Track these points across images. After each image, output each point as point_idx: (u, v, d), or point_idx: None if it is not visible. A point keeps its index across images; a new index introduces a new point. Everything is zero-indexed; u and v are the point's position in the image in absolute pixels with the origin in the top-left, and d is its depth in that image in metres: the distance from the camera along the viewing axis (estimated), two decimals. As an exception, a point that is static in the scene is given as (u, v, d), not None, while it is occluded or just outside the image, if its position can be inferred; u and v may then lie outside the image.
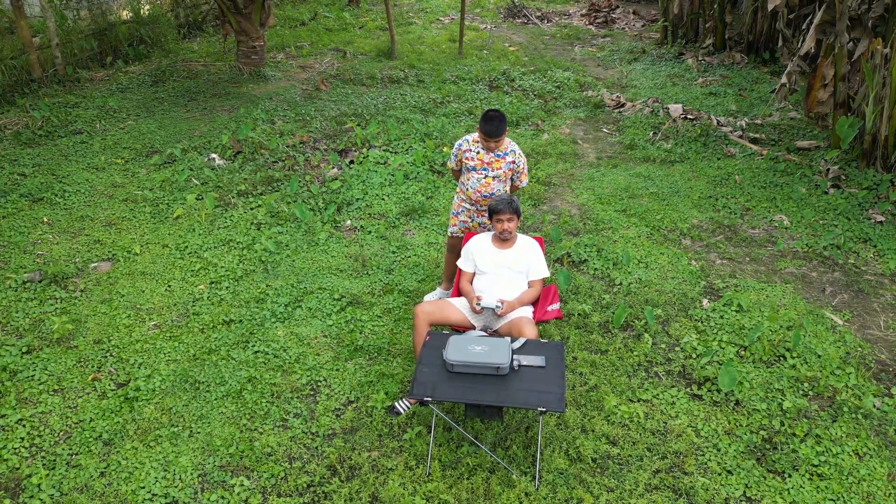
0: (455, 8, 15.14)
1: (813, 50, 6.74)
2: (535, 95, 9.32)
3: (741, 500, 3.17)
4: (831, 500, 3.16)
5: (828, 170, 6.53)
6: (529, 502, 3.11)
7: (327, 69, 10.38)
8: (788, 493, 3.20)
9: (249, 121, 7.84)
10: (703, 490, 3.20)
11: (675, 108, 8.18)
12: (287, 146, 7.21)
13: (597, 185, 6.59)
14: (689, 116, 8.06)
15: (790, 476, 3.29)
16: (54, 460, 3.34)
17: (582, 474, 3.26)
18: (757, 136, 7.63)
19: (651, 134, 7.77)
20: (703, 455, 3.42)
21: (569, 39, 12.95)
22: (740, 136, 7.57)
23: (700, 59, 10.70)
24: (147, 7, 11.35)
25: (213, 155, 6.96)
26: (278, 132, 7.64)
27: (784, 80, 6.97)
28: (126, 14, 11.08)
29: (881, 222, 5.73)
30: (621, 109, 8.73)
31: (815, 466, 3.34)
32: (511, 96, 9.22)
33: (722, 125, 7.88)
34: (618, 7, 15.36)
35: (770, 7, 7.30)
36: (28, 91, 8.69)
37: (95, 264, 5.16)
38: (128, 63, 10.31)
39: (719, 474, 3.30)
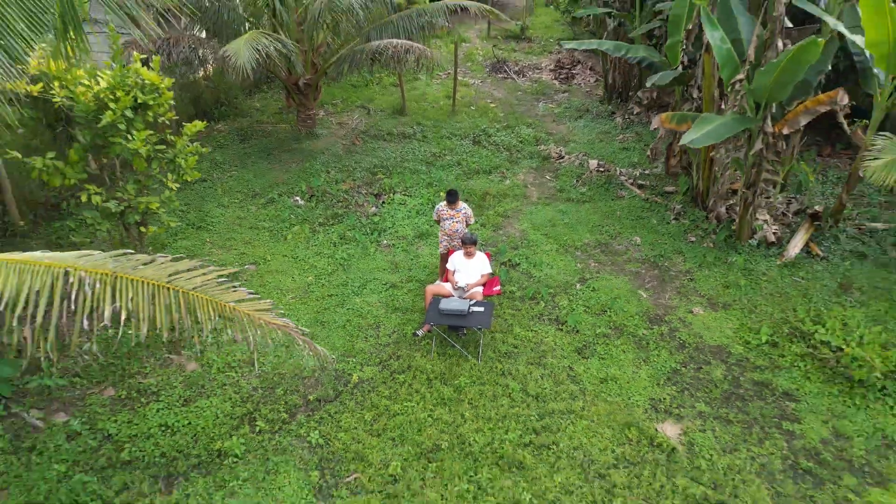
0: (452, 61, 19.29)
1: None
2: (504, 149, 13.50)
3: (569, 368, 7.36)
4: (605, 369, 7.36)
5: (675, 208, 10.72)
6: (474, 368, 7.30)
7: (357, 126, 14.57)
8: (590, 365, 7.39)
9: (315, 172, 12.03)
10: (553, 364, 7.40)
11: (593, 162, 12.36)
12: (341, 191, 11.40)
13: (533, 217, 10.78)
14: (601, 168, 12.24)
15: (591, 359, 7.49)
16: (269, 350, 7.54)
17: (500, 357, 7.46)
18: (643, 182, 11.82)
19: (574, 181, 11.97)
20: (556, 352, 7.62)
21: (536, 95, 17.14)
22: (631, 183, 11.75)
23: (626, 117, 14.89)
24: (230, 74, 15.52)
25: (297, 197, 11.15)
26: (333, 180, 11.83)
27: (651, 148, 11.16)
28: (203, 79, 15.20)
29: (693, 241, 9.92)
30: (561, 161, 12.91)
31: (603, 358, 7.53)
32: (487, 150, 13.40)
33: (622, 175, 12.06)
34: (578, 63, 19.53)
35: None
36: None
37: (247, 266, 9.35)
38: (216, 122, 14.48)
39: (564, 358, 7.50)
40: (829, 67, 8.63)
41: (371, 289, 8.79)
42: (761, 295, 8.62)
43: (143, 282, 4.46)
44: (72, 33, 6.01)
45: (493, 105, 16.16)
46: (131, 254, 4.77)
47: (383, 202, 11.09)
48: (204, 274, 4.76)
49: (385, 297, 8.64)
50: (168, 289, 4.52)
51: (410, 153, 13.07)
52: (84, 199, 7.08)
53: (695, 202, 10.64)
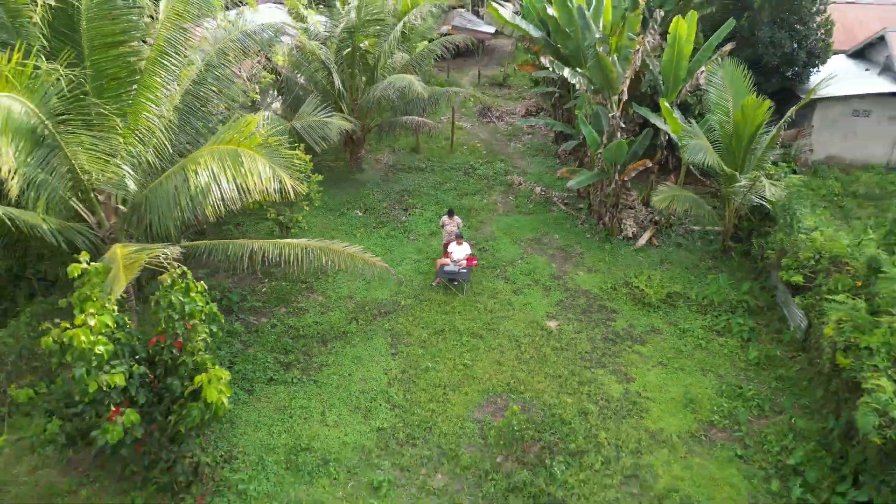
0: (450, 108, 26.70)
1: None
2: (484, 178, 20.91)
3: (508, 300, 14.80)
4: (526, 299, 14.79)
5: (581, 218, 18.13)
6: (460, 298, 14.74)
7: (387, 162, 21.99)
8: (519, 298, 14.82)
9: (365, 195, 19.43)
10: (500, 297, 14.83)
11: (538, 188, 19.77)
12: (383, 207, 18.82)
13: (498, 223, 18.20)
14: (542, 192, 19.64)
15: (519, 295, 14.92)
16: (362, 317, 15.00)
17: (474, 294, 14.91)
18: (567, 202, 19.23)
19: (526, 200, 19.39)
20: (502, 293, 15.03)
21: (510, 136, 24.58)
22: (560, 201, 19.16)
23: (562, 158, 22.24)
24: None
25: (357, 211, 18.59)
26: (377, 200, 19.25)
27: (560, 171, 18.57)
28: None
29: (588, 237, 17.34)
30: (519, 186, 20.30)
31: (526, 294, 14.97)
32: (473, 179, 20.82)
33: (555, 196, 19.46)
34: (542, 110, 26.91)
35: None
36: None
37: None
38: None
39: (506, 295, 14.94)
40: (647, 144, 16.09)
41: (406, 262, 16.21)
42: (616, 265, 16.08)
43: (305, 247, 11.86)
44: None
45: (478, 144, 23.62)
46: (295, 240, 12.20)
47: (409, 214, 18.53)
48: (327, 245, 12.20)
49: (413, 266, 16.07)
50: (316, 248, 11.91)
51: (424, 182, 20.51)
52: (269, 215, 14.54)
53: (591, 214, 18.05)
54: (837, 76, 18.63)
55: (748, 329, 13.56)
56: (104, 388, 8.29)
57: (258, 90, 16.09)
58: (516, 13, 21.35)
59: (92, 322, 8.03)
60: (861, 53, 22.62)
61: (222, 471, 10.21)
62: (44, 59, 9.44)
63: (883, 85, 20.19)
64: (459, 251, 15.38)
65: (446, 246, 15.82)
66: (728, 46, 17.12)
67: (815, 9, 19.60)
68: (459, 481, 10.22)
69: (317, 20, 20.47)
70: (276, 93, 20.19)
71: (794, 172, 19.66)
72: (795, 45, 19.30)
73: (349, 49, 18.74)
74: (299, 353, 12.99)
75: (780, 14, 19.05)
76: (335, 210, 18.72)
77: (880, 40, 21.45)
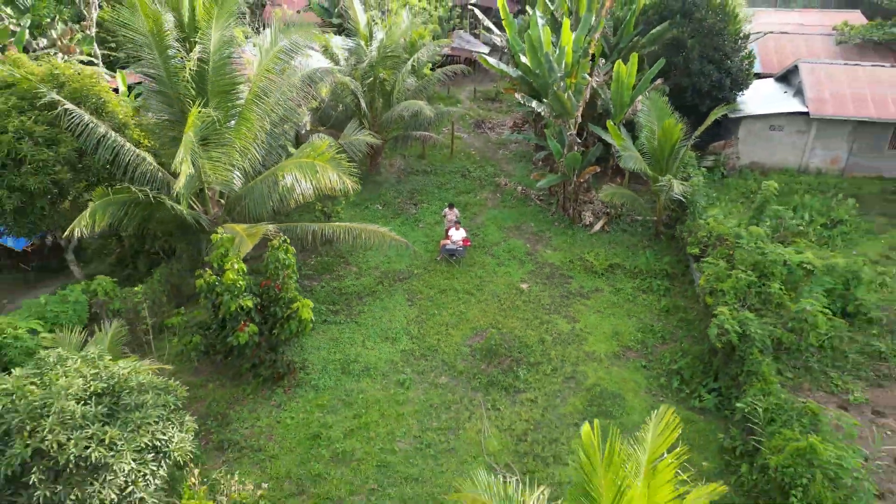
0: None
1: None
2: (477, 180, 26.18)
3: (493, 270, 20.07)
4: (505, 269, 20.06)
5: (552, 210, 23.39)
6: (457, 269, 20.00)
7: (400, 166, 27.25)
8: (500, 268, 20.09)
9: (383, 193, 24.69)
10: (486, 268, 20.11)
11: (520, 187, 25.03)
12: (398, 202, 24.09)
13: (487, 215, 23.48)
14: (523, 191, 24.90)
15: (501, 267, 20.20)
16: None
17: (467, 266, 20.17)
18: (541, 198, 24.49)
19: (510, 197, 24.65)
20: (488, 265, 20.29)
21: (499, 145, 29.85)
22: (536, 198, 24.41)
23: (538, 162, 27.47)
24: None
25: (378, 206, 23.85)
26: (393, 197, 24.51)
27: (533, 175, 23.86)
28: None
29: (556, 225, 22.60)
30: (505, 186, 25.56)
31: (506, 266, 20.23)
32: (468, 180, 26.09)
33: (533, 193, 24.72)
34: (526, 123, 32.15)
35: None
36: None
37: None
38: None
39: (491, 267, 20.21)
40: (599, 154, 21.36)
41: (416, 243, 21.46)
42: (575, 245, 21.34)
43: (349, 228, 17.12)
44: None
45: (473, 152, 28.89)
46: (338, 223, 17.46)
47: (418, 207, 23.79)
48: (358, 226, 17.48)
49: (423, 246, 21.32)
50: (356, 229, 17.17)
51: (429, 182, 25.78)
52: (316, 207, 19.81)
53: (558, 207, 23.30)
54: (747, 101, 23.97)
55: (664, 288, 18.84)
56: (238, 310, 13.58)
57: (306, 113, 21.36)
58: (503, 45, 26.56)
59: (235, 266, 13.30)
60: (784, 77, 27.90)
61: (300, 374, 15.48)
62: (191, 102, 14.74)
63: (794, 105, 25.45)
64: (457, 235, 20.62)
65: (447, 231, 21.08)
66: (659, 81, 22.39)
67: (736, 46, 24.84)
68: (456, 380, 15.49)
69: (340, 45, 25.60)
70: (310, 112, 25.42)
71: (723, 175, 25.14)
72: (721, 75, 24.56)
73: (371, 79, 24.01)
74: (343, 304, 18.27)
75: (708, 51, 24.31)
76: (360, 205, 23.96)
77: (795, 68, 26.73)
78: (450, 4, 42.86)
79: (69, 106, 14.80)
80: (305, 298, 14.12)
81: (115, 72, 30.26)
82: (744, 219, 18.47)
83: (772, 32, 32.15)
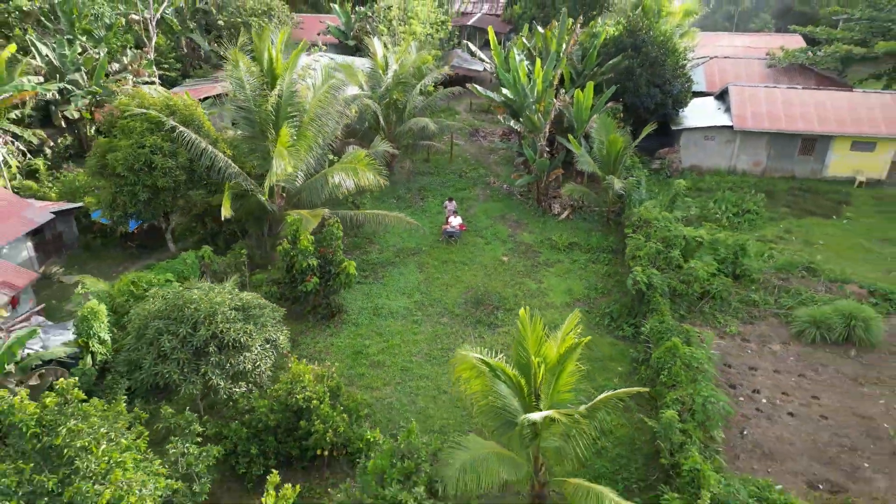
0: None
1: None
2: (471, 179, 32.73)
3: (481, 248, 26.62)
4: (490, 247, 26.63)
5: (530, 203, 29.91)
6: (454, 247, 26.56)
7: (409, 169, 33.80)
8: (487, 246, 26.63)
9: (396, 189, 31.24)
10: (476, 246, 26.67)
11: (505, 185, 31.56)
12: (408, 196, 30.63)
13: (479, 207, 30.03)
14: (507, 188, 31.43)
15: (487, 246, 26.75)
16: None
17: (462, 245, 26.74)
18: (521, 193, 31.03)
19: (497, 193, 31.19)
20: (478, 244, 26.86)
21: (490, 151, 36.40)
22: (518, 194, 30.95)
23: (518, 165, 34.01)
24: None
25: (393, 200, 30.40)
26: (404, 192, 31.05)
27: (513, 175, 30.39)
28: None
29: (533, 215, 29.14)
30: (493, 185, 32.10)
31: (492, 245, 26.79)
32: (464, 180, 32.65)
33: (515, 190, 31.25)
34: (513, 132, 38.64)
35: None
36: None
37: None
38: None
39: (480, 245, 26.77)
40: (563, 159, 27.91)
41: (426, 225, 27.98)
42: (545, 230, 27.89)
43: (376, 214, 23.66)
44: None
45: (468, 157, 35.44)
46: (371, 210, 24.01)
47: (424, 200, 30.33)
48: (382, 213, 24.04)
49: (429, 230, 27.85)
50: (381, 214, 23.70)
51: (433, 181, 32.34)
52: (347, 199, 26.35)
53: (534, 201, 29.81)
54: (688, 116, 30.48)
55: (608, 259, 25.38)
56: (307, 267, 20.13)
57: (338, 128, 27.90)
58: (492, 70, 33.04)
59: (303, 237, 19.87)
60: (720, 96, 34.45)
61: (344, 315, 22.01)
62: (269, 123, 21.30)
63: (723, 120, 31.98)
64: (455, 221, 27.13)
65: (447, 218, 27.59)
66: (610, 104, 28.94)
67: (676, 73, 31.37)
68: (453, 320, 22.03)
69: (359, 67, 32.12)
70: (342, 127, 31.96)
71: (668, 176, 31.68)
72: (664, 97, 31.10)
73: (387, 100, 30.57)
74: (370, 271, 24.81)
75: (653, 78, 30.85)
76: (379, 199, 30.49)
77: (727, 89, 33.28)
78: (450, 27, 49.59)
79: (181, 128, 21.38)
80: (350, 261, 20.69)
81: (169, 88, 37.15)
82: (662, 207, 25.04)
83: (716, 57, 38.71)
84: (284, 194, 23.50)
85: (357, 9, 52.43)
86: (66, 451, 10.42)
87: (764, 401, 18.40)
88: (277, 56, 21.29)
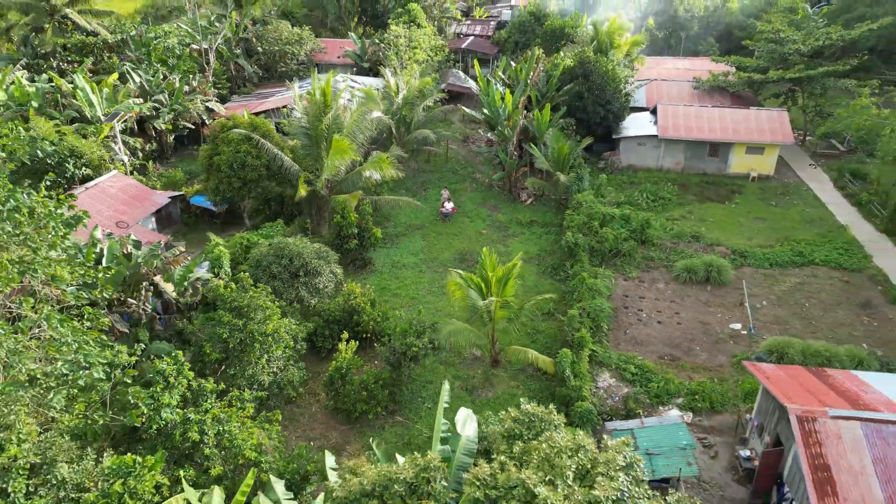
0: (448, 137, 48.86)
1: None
2: (462, 175, 43.14)
3: (468, 226, 37.05)
4: (474, 224, 37.05)
5: (506, 192, 40.31)
6: (448, 223, 37.00)
7: (414, 167, 44.21)
8: (473, 223, 37.07)
9: (406, 183, 41.66)
10: (465, 225, 37.11)
11: (487, 180, 41.95)
12: (414, 188, 41.04)
13: (467, 196, 40.43)
14: (488, 182, 41.81)
15: (471, 223, 37.19)
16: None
17: (453, 223, 37.18)
18: (500, 186, 41.42)
19: (481, 186, 41.58)
20: (465, 223, 37.28)
21: (477, 154, 46.82)
22: (496, 186, 41.32)
23: (495, 165, 44.40)
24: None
25: (403, 191, 40.85)
26: (411, 185, 41.46)
27: (492, 171, 40.81)
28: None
29: (507, 202, 39.55)
30: (478, 179, 42.48)
31: (476, 223, 37.21)
32: (456, 176, 43.07)
33: (494, 183, 41.62)
34: (493, 141, 49.01)
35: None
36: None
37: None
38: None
39: (468, 223, 37.19)
40: (528, 160, 38.38)
41: (425, 211, 38.37)
42: (514, 212, 38.31)
43: (395, 199, 34.09)
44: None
45: (460, 158, 45.88)
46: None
47: (426, 191, 40.75)
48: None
49: (429, 212, 38.25)
50: (396, 199, 34.13)
51: (432, 177, 42.79)
52: (371, 189, 36.79)
53: (507, 191, 40.20)
54: (628, 127, 40.98)
55: (556, 231, 35.78)
56: (350, 232, 30.58)
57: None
58: (477, 93, 43.53)
59: (350, 212, 30.32)
60: (654, 111, 44.85)
61: (373, 267, 32.42)
62: (323, 136, 31.82)
63: (652, 130, 42.34)
64: (448, 205, 37.48)
65: (443, 203, 37.89)
66: (562, 120, 39.39)
67: (616, 95, 41.74)
68: (446, 270, 32.45)
69: (374, 85, 42.52)
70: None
71: (611, 173, 42.11)
72: (606, 113, 41.48)
73: (398, 116, 40.99)
74: (389, 240, 35.22)
75: (598, 99, 41.23)
76: (393, 190, 40.75)
77: (657, 107, 43.70)
78: (447, 51, 60.06)
79: (262, 140, 31.77)
80: (377, 228, 31.07)
81: (223, 103, 47.74)
82: (594, 194, 35.39)
83: (655, 80, 49.15)
84: (329, 185, 33.89)
85: (369, 31, 62.94)
86: (246, 310, 20.82)
87: (644, 315, 28.87)
88: (328, 91, 31.62)
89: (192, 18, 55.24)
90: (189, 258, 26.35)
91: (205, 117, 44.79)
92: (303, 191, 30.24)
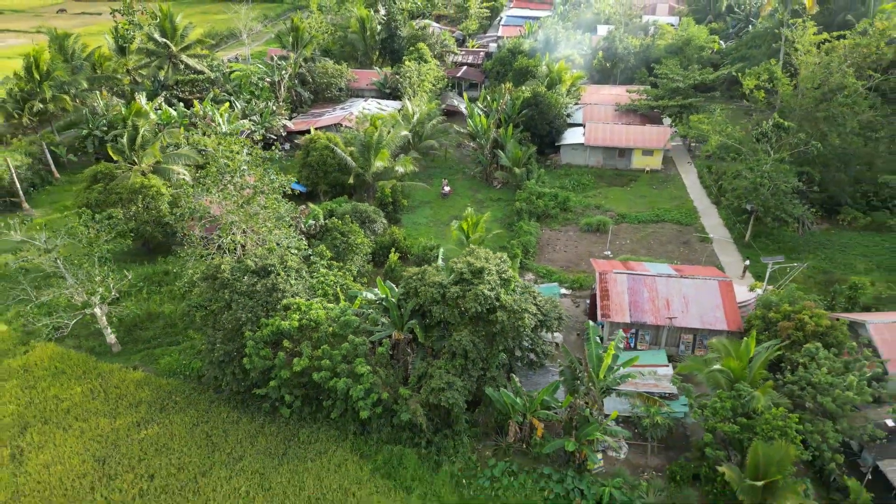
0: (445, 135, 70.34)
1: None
2: (456, 170, 64.77)
3: (462, 206, 58.71)
4: (465, 202, 58.74)
5: (488, 182, 61.91)
6: (446, 202, 58.65)
7: (424, 164, 65.82)
8: (462, 202, 58.73)
9: (418, 175, 63.32)
10: (458, 205, 58.75)
11: (472, 172, 63.52)
12: (423, 179, 62.70)
13: (459, 184, 62.05)
14: (473, 174, 63.38)
15: (463, 201, 58.87)
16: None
17: (450, 201, 58.83)
18: (482, 177, 62.99)
19: (474, 178, 63.16)
20: (459, 203, 58.90)
21: (467, 155, 68.44)
22: (479, 176, 62.87)
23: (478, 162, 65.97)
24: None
25: (416, 180, 62.54)
26: (422, 177, 63.07)
27: (476, 166, 62.41)
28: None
29: (487, 188, 61.16)
30: (467, 173, 64.04)
31: (469, 206, 58.87)
32: (453, 170, 64.70)
33: (476, 174, 63.17)
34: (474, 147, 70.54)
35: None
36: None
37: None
38: (393, 164, 65.87)
39: (463, 205, 58.87)
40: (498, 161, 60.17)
41: (431, 191, 59.96)
42: (489, 193, 59.96)
43: (411, 184, 55.77)
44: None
45: (456, 158, 67.61)
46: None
47: (432, 181, 62.41)
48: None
49: (434, 192, 59.86)
50: (415, 184, 55.78)
51: (436, 171, 64.46)
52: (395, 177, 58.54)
53: (485, 179, 61.77)
54: (567, 137, 62.89)
55: (512, 203, 57.42)
56: (388, 201, 52.44)
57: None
58: (464, 109, 65.30)
59: (388, 191, 52.14)
60: (584, 126, 66.50)
61: (402, 223, 54.14)
62: (372, 147, 53.63)
63: (581, 139, 63.96)
64: (447, 189, 59.01)
65: (443, 187, 59.37)
66: (521, 134, 61.13)
67: (558, 117, 63.29)
68: (446, 225, 54.14)
69: (393, 106, 64.17)
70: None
71: (554, 169, 64.17)
72: (550, 129, 63.11)
73: (414, 132, 62.67)
74: (408, 211, 56.91)
75: (545, 119, 62.82)
76: (410, 179, 62.40)
77: (586, 124, 65.39)
78: (446, 81, 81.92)
79: (334, 147, 53.50)
80: (403, 199, 52.77)
81: (290, 119, 69.70)
82: (536, 182, 56.87)
83: (589, 104, 70.91)
84: (374, 176, 55.48)
85: (387, 65, 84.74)
86: (347, 231, 42.64)
87: (558, 247, 50.65)
88: (376, 122, 53.21)
89: (267, 62, 76.94)
90: (307, 213, 48.12)
91: (283, 131, 66.53)
92: (359, 179, 51.83)
